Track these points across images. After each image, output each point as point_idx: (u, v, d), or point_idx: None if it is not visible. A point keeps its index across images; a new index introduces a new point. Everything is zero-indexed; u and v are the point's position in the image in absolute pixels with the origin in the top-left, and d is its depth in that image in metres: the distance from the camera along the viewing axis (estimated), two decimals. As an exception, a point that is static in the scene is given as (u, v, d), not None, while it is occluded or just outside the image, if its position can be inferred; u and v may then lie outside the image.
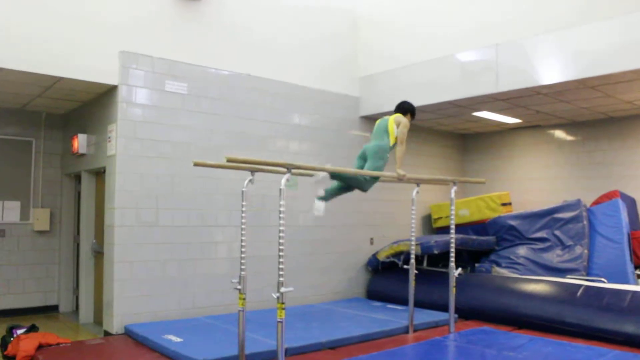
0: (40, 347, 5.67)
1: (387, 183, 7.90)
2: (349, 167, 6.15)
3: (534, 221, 8.70)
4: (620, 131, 8.86)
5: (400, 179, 6.06)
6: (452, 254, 6.53)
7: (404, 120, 6.13)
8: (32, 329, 6.27)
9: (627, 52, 6.08)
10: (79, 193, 8.38)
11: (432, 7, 8.47)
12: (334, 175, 5.79)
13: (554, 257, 8.19)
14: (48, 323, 7.64)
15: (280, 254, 4.51)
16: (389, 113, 8.74)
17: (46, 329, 6.77)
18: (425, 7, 8.56)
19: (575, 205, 8.41)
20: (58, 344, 5.85)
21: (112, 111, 6.87)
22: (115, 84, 6.73)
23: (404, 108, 6.35)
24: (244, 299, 5.00)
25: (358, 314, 7.47)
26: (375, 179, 5.97)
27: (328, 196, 6.08)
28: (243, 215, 5.11)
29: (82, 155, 7.78)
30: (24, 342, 5.63)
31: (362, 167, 6.04)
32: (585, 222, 8.16)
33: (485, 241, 8.80)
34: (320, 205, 5.97)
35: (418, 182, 6.60)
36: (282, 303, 4.45)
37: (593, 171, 9.15)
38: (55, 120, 8.61)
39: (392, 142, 6.02)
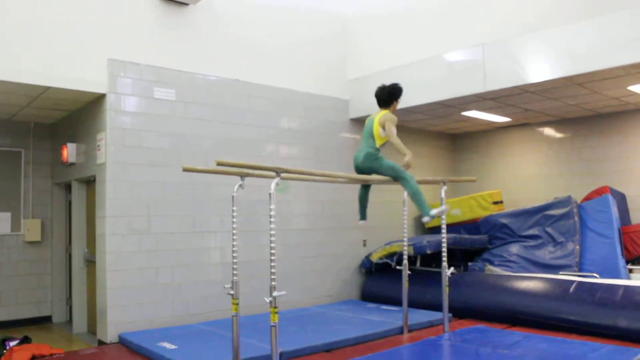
0: (33, 358, 5.65)
1: (378, 184, 7.90)
2: (339, 171, 6.18)
3: (525, 219, 8.74)
4: (608, 127, 8.92)
5: (407, 166, 5.84)
6: (444, 254, 6.54)
7: (389, 118, 5.79)
8: (25, 340, 6.24)
9: (612, 49, 6.13)
10: (70, 202, 8.35)
11: (419, 9, 8.52)
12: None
13: (546, 254, 8.23)
14: (41, 334, 7.59)
15: (272, 257, 4.51)
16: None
17: (39, 340, 6.73)
18: (412, 9, 8.60)
19: (566, 201, 8.45)
20: (51, 354, 5.82)
21: (100, 119, 6.85)
22: (104, 92, 6.72)
23: (387, 101, 5.99)
24: (237, 304, 4.99)
25: (352, 316, 7.47)
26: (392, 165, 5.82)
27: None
28: (234, 220, 5.10)
29: (72, 164, 7.75)
30: (17, 354, 5.60)
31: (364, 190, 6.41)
32: (576, 219, 8.20)
33: (478, 240, 8.82)
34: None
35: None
36: (275, 307, 4.45)
37: (583, 167, 9.20)
38: (44, 130, 8.57)
39: (378, 144, 5.83)
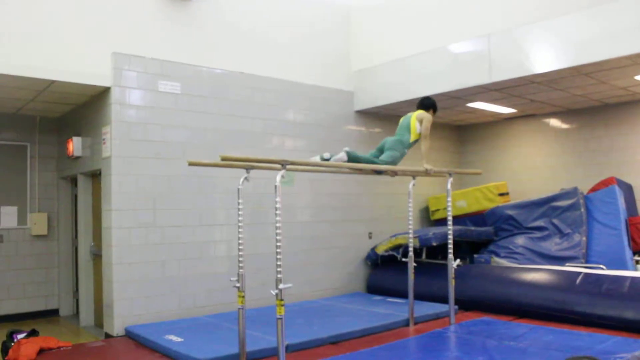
0: (41, 351, 5.67)
1: (383, 177, 7.89)
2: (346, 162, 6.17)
3: (531, 210, 8.71)
4: (615, 118, 8.86)
5: (427, 173, 6.37)
6: (450, 246, 6.53)
7: (427, 116, 6.28)
8: (33, 333, 6.26)
9: (620, 38, 6.07)
10: (76, 196, 8.37)
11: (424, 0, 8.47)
12: (350, 159, 5.90)
13: (553, 245, 8.20)
14: (49, 327, 7.64)
15: (278, 250, 4.51)
16: (384, 107, 8.84)
17: (47, 333, 6.77)
18: (416, 0, 8.55)
19: (573, 193, 8.41)
20: (59, 347, 5.84)
21: (106, 113, 6.85)
22: (108, 85, 6.72)
23: (426, 104, 6.48)
24: (243, 296, 5.00)
25: (358, 308, 7.47)
26: (392, 161, 6.12)
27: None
28: (240, 213, 5.10)
29: (78, 158, 7.77)
30: (25, 347, 5.62)
31: (377, 157, 6.28)
32: (582, 210, 8.16)
33: (484, 232, 8.80)
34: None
35: (414, 174, 6.60)
36: (281, 300, 4.46)
37: (589, 158, 9.15)
38: (50, 124, 8.59)
39: (412, 139, 6.20)
